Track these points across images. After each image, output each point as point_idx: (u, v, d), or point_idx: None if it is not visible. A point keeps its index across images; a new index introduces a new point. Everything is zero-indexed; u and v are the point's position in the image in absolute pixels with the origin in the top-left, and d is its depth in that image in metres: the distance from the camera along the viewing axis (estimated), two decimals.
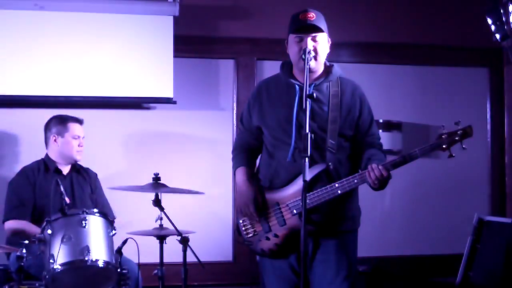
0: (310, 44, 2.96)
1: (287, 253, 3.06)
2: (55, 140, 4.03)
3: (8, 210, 3.90)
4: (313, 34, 2.98)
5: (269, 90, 3.16)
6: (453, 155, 2.90)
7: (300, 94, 3.02)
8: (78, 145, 4.05)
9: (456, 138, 2.91)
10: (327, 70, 3.09)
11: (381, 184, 2.92)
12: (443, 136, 2.92)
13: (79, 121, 4.10)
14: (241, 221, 3.17)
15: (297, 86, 3.04)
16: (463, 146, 2.91)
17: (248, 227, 3.14)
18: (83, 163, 4.20)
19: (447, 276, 4.81)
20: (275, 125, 3.09)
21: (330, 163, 3.00)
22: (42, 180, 3.96)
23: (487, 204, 5.25)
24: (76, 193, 4.01)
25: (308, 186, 2.79)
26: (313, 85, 2.99)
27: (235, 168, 3.25)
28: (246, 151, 3.26)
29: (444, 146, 2.91)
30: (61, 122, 4.05)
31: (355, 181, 2.95)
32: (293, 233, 2.99)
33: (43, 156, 4.08)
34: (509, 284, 4.22)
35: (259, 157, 3.26)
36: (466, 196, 5.20)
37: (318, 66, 3.04)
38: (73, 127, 4.05)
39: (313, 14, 2.99)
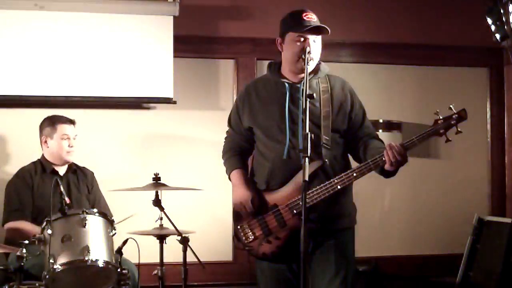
0: (312, 45, 2.98)
1: (289, 256, 3.03)
2: (45, 142, 4.03)
3: (7, 212, 3.89)
4: (316, 36, 3.00)
5: (258, 90, 3.16)
6: (450, 139, 2.92)
7: (290, 91, 3.04)
8: (68, 146, 4.02)
9: (452, 122, 2.92)
10: (315, 67, 3.10)
11: (398, 164, 2.88)
12: (439, 122, 2.93)
13: (69, 121, 4.06)
14: (239, 227, 3.16)
15: (286, 84, 3.06)
16: (459, 129, 2.91)
17: (247, 231, 3.12)
18: (83, 162, 4.19)
19: (447, 276, 4.81)
20: (267, 124, 3.09)
21: (326, 160, 3.01)
22: (40, 182, 3.96)
23: (487, 204, 5.25)
24: (73, 193, 4.00)
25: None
26: (303, 83, 2.99)
27: (229, 171, 3.25)
28: (238, 154, 3.26)
29: (441, 131, 2.93)
30: (51, 123, 4.04)
31: (354, 174, 2.95)
32: (294, 233, 2.96)
33: (39, 157, 4.09)
34: (509, 284, 4.23)
35: (252, 159, 3.24)
36: (466, 196, 5.20)
37: (313, 66, 3.05)
38: (62, 127, 4.02)
39: (314, 15, 3.02)
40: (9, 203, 3.92)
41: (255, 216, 3.09)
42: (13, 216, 3.86)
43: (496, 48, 4.92)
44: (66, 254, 3.15)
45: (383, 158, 2.90)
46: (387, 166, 2.91)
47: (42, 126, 4.07)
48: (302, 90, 2.91)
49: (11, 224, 3.85)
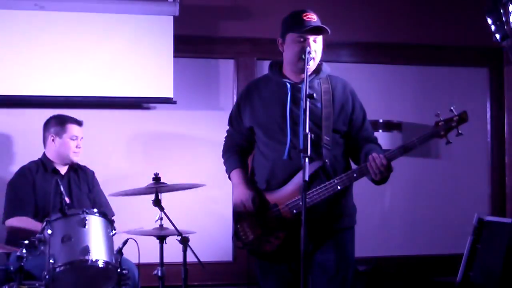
0: (312, 45, 2.98)
1: (288, 255, 3.03)
2: (52, 140, 4.03)
3: (9, 208, 3.89)
4: (317, 36, 3.00)
5: (259, 90, 3.16)
6: (451, 141, 2.90)
7: (292, 91, 3.04)
8: (76, 146, 4.04)
9: (453, 124, 2.90)
10: (317, 68, 3.10)
11: (382, 175, 2.91)
12: (440, 124, 2.92)
13: (78, 123, 4.09)
14: (239, 226, 3.16)
15: (288, 84, 3.06)
16: (460, 131, 2.90)
17: (247, 230, 3.12)
18: (83, 162, 4.19)
19: (447, 276, 4.81)
20: (268, 124, 3.09)
21: (326, 160, 3.01)
22: (41, 180, 3.96)
23: (487, 204, 5.25)
24: (74, 193, 4.01)
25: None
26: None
27: (229, 171, 3.27)
28: (237, 153, 3.28)
29: (442, 133, 2.91)
30: (60, 122, 4.05)
31: (355, 175, 2.96)
32: (294, 233, 2.96)
33: (40, 156, 4.08)
34: (509, 284, 4.22)
35: (252, 159, 3.25)
36: (466, 196, 5.20)
37: (314, 66, 3.05)
38: (72, 128, 4.04)
39: (315, 15, 3.02)
40: (10, 200, 3.92)
41: (255, 215, 3.09)
42: (14, 212, 3.85)
43: (496, 48, 4.92)
44: (66, 254, 3.14)
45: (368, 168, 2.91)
46: (372, 176, 2.92)
47: (49, 125, 4.07)
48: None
49: (11, 221, 3.84)
